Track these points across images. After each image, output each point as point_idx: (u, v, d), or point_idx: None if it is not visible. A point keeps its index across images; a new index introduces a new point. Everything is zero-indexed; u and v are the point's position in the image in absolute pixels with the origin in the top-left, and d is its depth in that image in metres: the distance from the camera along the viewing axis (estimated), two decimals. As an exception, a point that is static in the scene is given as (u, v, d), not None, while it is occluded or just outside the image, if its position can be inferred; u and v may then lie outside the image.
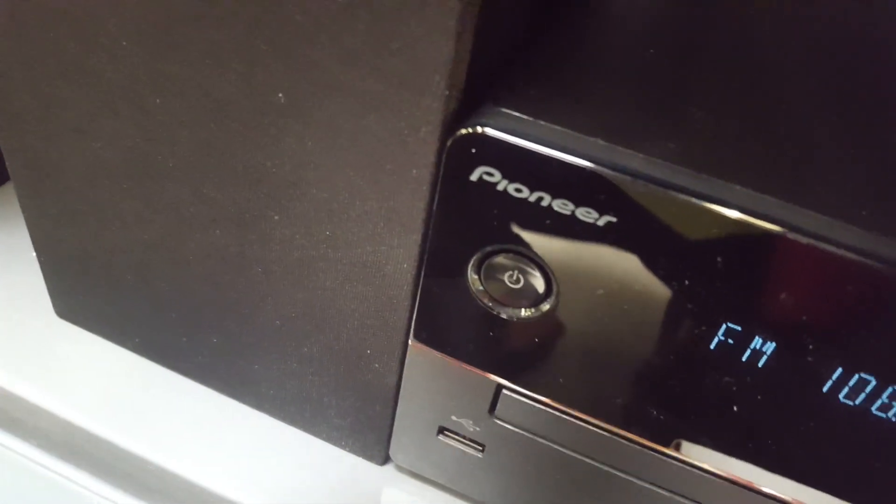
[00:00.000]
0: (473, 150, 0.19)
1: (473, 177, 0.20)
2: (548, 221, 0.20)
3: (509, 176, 0.20)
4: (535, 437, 0.25)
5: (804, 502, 0.22)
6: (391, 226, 0.22)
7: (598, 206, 0.19)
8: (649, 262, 0.19)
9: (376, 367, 0.27)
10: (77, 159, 0.26)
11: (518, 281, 0.22)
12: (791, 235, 0.18)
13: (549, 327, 0.22)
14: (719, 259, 0.18)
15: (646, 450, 0.23)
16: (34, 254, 0.32)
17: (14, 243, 0.38)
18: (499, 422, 0.26)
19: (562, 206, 0.19)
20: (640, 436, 0.23)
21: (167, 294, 0.29)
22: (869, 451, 0.21)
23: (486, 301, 0.22)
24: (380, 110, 0.20)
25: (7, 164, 0.28)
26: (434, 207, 0.21)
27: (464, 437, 0.27)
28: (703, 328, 0.20)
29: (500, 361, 0.24)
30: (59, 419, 0.32)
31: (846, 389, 0.20)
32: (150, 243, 0.28)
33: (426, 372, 0.26)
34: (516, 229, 0.20)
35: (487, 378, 0.25)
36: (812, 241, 0.17)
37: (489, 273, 0.22)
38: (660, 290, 0.20)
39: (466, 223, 0.21)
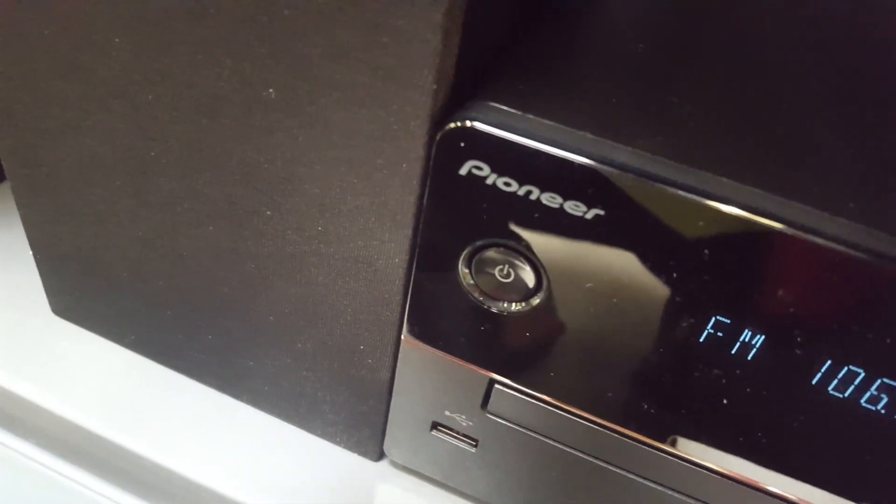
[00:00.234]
0: (462, 144, 0.20)
1: (463, 171, 0.20)
2: (536, 215, 0.20)
3: (498, 170, 0.20)
4: (528, 432, 0.25)
5: (794, 495, 0.22)
6: (382, 220, 0.22)
7: (587, 200, 0.19)
8: (637, 255, 0.19)
9: (369, 363, 0.27)
10: (71, 156, 0.27)
11: (508, 275, 0.22)
12: (778, 227, 0.18)
13: (540, 321, 0.22)
14: (706, 252, 0.18)
15: (637, 443, 0.24)
16: (31, 252, 0.32)
17: (11, 241, 0.38)
18: (491, 416, 0.26)
19: (550, 200, 0.19)
20: (631, 429, 0.23)
21: (162, 291, 0.29)
22: (857, 443, 0.21)
23: (476, 295, 0.23)
24: (369, 105, 0.20)
25: (2, 162, 0.28)
26: (424, 202, 0.21)
27: (457, 433, 0.27)
28: (693, 321, 0.20)
29: (491, 356, 0.24)
30: (56, 417, 0.33)
31: (835, 382, 0.20)
32: (145, 240, 0.28)
33: (419, 367, 0.26)
34: (505, 223, 0.21)
35: (479, 373, 0.25)
36: (799, 234, 0.18)
37: (480, 267, 0.22)
38: (648, 284, 0.20)
39: (456, 217, 0.21)
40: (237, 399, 0.33)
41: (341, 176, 0.22)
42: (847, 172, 0.20)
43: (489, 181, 0.20)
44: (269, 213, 0.24)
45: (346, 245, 0.24)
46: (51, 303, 0.35)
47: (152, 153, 0.25)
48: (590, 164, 0.19)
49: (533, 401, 0.24)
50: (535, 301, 0.22)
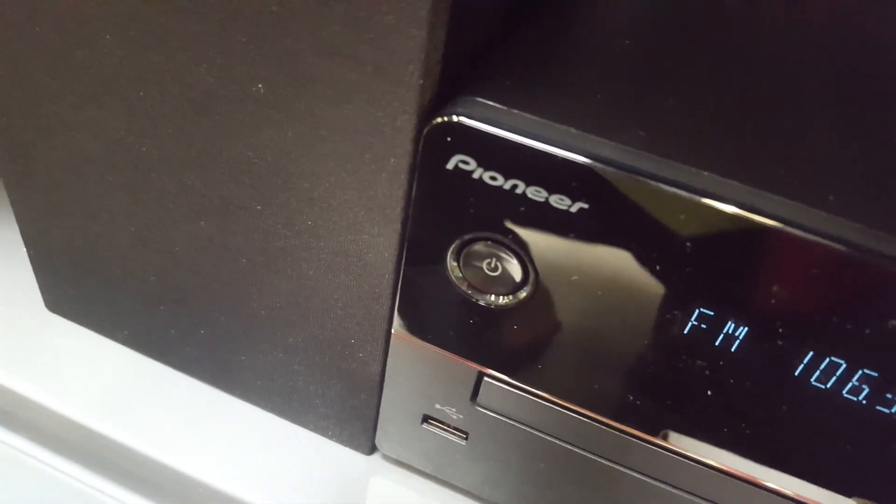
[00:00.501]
0: (449, 139, 0.20)
1: (449, 165, 0.20)
2: (522, 209, 0.20)
3: (484, 164, 0.20)
4: (517, 424, 0.26)
5: (779, 485, 0.23)
6: (371, 215, 0.23)
7: (571, 193, 0.19)
8: (621, 248, 0.20)
9: (360, 357, 0.27)
10: (63, 152, 0.27)
11: (496, 268, 0.22)
12: (758, 220, 0.18)
13: (528, 314, 0.23)
14: (688, 244, 0.19)
15: (624, 435, 0.24)
16: (24, 248, 0.33)
17: (4, 238, 0.38)
18: (481, 409, 0.26)
19: (535, 194, 0.20)
20: (618, 421, 0.24)
21: (154, 286, 0.29)
22: (841, 434, 0.21)
23: (465, 289, 0.23)
24: (357, 100, 0.20)
25: (-4, 158, 0.29)
26: (412, 196, 0.22)
27: (447, 425, 0.28)
28: (677, 313, 0.20)
29: (480, 349, 0.24)
30: (50, 412, 0.33)
31: (817, 373, 0.20)
32: (137, 235, 0.28)
33: (409, 360, 0.26)
34: (492, 217, 0.21)
35: (469, 366, 0.25)
36: (778, 226, 0.18)
37: (468, 261, 0.22)
38: (632, 277, 0.20)
39: (444, 211, 0.21)
40: (230, 394, 0.33)
41: (330, 170, 0.22)
42: (829, 166, 0.20)
43: (475, 175, 0.20)
44: (258, 207, 0.24)
45: (335, 239, 0.24)
46: (45, 299, 0.35)
47: (143, 149, 0.25)
48: (574, 159, 0.19)
49: (521, 393, 0.25)
50: (522, 294, 0.22)
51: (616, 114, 0.20)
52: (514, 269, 0.22)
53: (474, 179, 0.20)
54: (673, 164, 0.18)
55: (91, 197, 0.28)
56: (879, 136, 0.22)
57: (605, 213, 0.19)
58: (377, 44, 0.19)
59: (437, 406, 0.27)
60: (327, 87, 0.20)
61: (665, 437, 0.23)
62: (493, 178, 0.20)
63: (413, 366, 0.26)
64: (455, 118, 0.20)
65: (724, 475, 0.23)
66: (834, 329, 0.19)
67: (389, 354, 0.27)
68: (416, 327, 0.25)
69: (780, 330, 0.20)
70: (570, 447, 0.25)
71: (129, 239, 0.28)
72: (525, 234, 0.21)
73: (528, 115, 0.20)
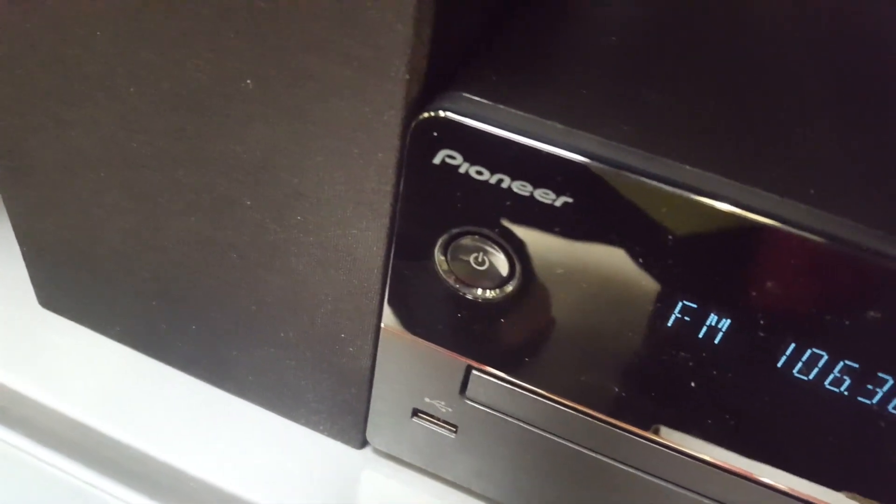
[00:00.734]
0: (435, 134, 0.20)
1: (436, 160, 0.20)
2: (508, 203, 0.20)
3: (470, 159, 0.20)
4: (505, 417, 0.26)
5: (765, 477, 0.23)
6: (360, 209, 0.23)
7: (555, 188, 0.20)
8: (605, 241, 0.20)
9: (351, 351, 0.27)
10: (56, 149, 0.27)
11: (483, 262, 0.22)
12: (738, 213, 0.18)
13: (514, 308, 0.23)
14: (670, 237, 0.19)
15: (611, 427, 0.24)
16: (17, 244, 0.33)
17: (-2, 234, 0.39)
18: (470, 402, 0.26)
19: (521, 188, 0.20)
20: (605, 414, 0.24)
21: (146, 281, 0.30)
22: (824, 426, 0.21)
23: (452, 283, 0.23)
24: (344, 95, 0.20)
25: (-12, 154, 0.29)
26: (400, 191, 0.22)
27: (437, 419, 0.28)
28: (661, 305, 0.21)
29: (468, 342, 0.25)
30: (43, 407, 0.33)
31: (800, 365, 0.20)
32: (129, 231, 0.28)
33: (399, 354, 0.26)
34: (479, 211, 0.21)
35: (457, 359, 0.25)
36: (758, 218, 0.18)
37: (455, 255, 0.22)
38: (616, 269, 0.20)
39: (431, 206, 0.22)
40: (222, 389, 0.33)
41: (318, 165, 0.22)
42: (810, 159, 0.20)
43: (462, 170, 0.20)
44: (248, 202, 0.24)
45: (325, 234, 0.24)
46: (38, 295, 0.35)
47: (135, 145, 0.25)
48: (557, 153, 0.19)
49: (509, 386, 0.25)
50: (509, 288, 0.22)
51: (601, 109, 0.21)
52: (501, 263, 0.22)
53: (461, 174, 0.20)
54: (655, 159, 0.19)
55: (83, 193, 0.28)
56: (861, 129, 0.22)
57: (589, 207, 0.19)
58: (363, 39, 0.19)
59: (427, 400, 0.27)
60: (315, 83, 0.20)
61: (652, 430, 0.24)
62: (480, 173, 0.20)
63: (402, 360, 0.26)
64: (441, 113, 0.20)
65: (711, 467, 0.23)
66: (815, 320, 0.19)
67: (379, 349, 0.27)
68: (405, 321, 0.25)
69: (762, 322, 0.20)
70: (557, 440, 0.26)
71: (121, 235, 0.28)
72: (511, 228, 0.21)
73: (513, 111, 0.20)
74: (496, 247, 0.22)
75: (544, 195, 0.20)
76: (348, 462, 0.32)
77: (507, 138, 0.19)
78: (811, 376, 0.20)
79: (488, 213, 0.21)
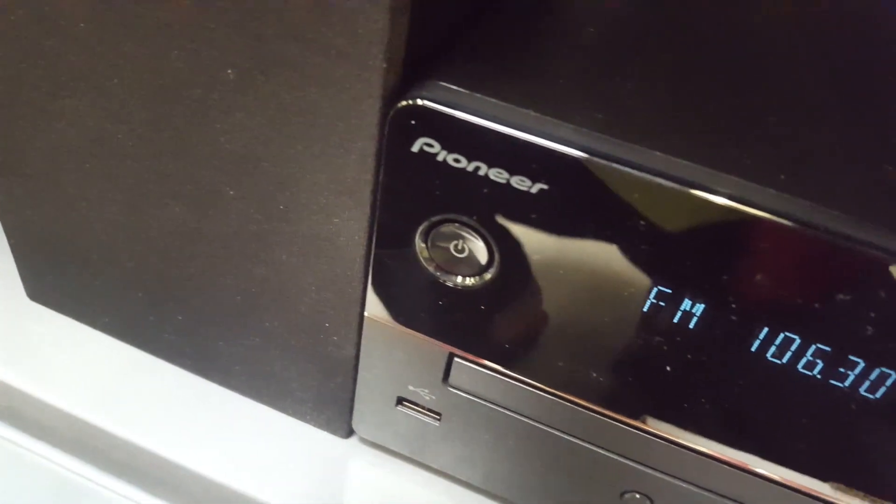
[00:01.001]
0: (413, 122, 0.20)
1: (415, 148, 0.21)
2: (485, 190, 0.21)
3: (448, 147, 0.20)
4: (487, 404, 0.26)
5: (741, 461, 0.23)
6: (341, 198, 0.23)
7: (531, 175, 0.20)
8: (580, 227, 0.20)
9: (335, 340, 0.28)
10: (41, 141, 0.27)
11: (462, 250, 0.23)
12: (709, 198, 0.18)
13: (494, 295, 0.23)
14: (642, 223, 0.19)
15: (591, 413, 0.24)
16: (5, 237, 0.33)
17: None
18: (452, 390, 0.27)
19: (497, 175, 0.20)
20: (584, 399, 0.24)
21: (132, 272, 0.30)
22: (799, 410, 0.22)
23: (433, 270, 0.23)
24: (323, 84, 0.21)
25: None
26: (380, 179, 0.22)
27: (421, 407, 0.28)
28: (635, 290, 0.21)
29: (450, 330, 0.25)
30: (31, 398, 0.33)
31: (773, 349, 0.21)
32: (115, 222, 0.28)
33: (382, 343, 0.27)
34: (457, 199, 0.21)
35: (439, 347, 0.25)
36: (729, 203, 0.18)
37: (435, 243, 0.23)
38: (592, 255, 0.21)
39: (411, 194, 0.22)
40: (209, 380, 0.33)
41: (298, 154, 0.22)
42: (782, 146, 0.21)
43: (440, 158, 0.21)
44: (231, 192, 0.25)
45: (307, 223, 0.24)
46: (26, 288, 0.35)
47: (119, 136, 0.25)
48: (533, 141, 0.19)
49: (490, 373, 0.25)
50: (488, 275, 0.23)
51: (576, 98, 0.21)
52: (480, 251, 0.22)
53: (439, 162, 0.21)
54: (626, 145, 0.19)
55: (69, 185, 0.28)
56: (833, 116, 0.22)
57: (564, 194, 0.20)
58: (341, 28, 0.19)
59: (411, 388, 0.28)
60: (293, 72, 0.21)
61: (631, 415, 0.24)
62: (457, 161, 0.20)
63: (386, 348, 0.27)
64: (419, 101, 0.20)
65: (689, 452, 0.24)
66: (786, 304, 0.20)
67: (363, 337, 0.27)
68: (389, 310, 0.25)
69: (735, 306, 0.20)
70: (538, 425, 0.26)
71: (107, 226, 0.29)
72: (489, 215, 0.21)
73: (490, 99, 0.20)
74: (475, 234, 0.22)
75: (520, 182, 0.20)
76: (335, 451, 0.32)
77: (483, 126, 0.20)
78: (784, 360, 0.21)
79: (466, 201, 0.21)
